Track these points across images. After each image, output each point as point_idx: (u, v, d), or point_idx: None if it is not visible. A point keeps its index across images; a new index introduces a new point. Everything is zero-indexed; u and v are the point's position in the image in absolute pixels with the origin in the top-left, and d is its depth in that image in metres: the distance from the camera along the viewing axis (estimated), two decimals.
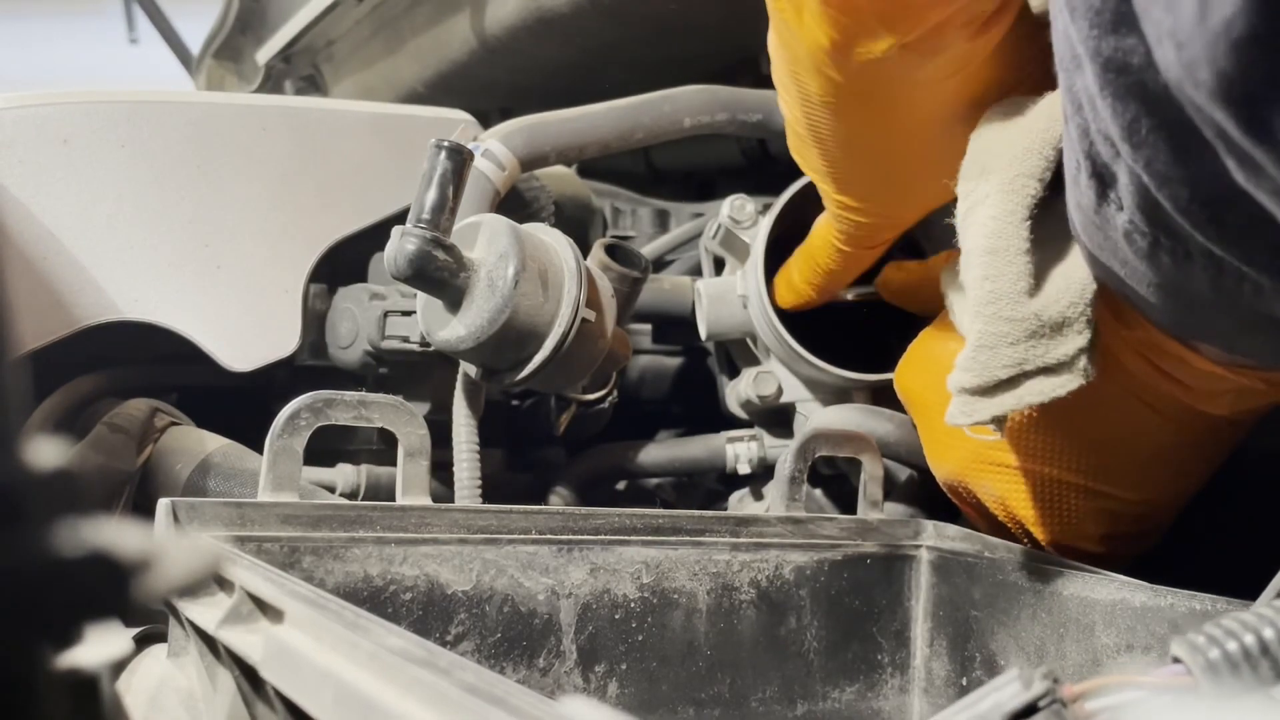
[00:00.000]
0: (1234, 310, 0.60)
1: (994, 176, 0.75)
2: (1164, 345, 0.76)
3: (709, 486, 1.42)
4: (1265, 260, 0.54)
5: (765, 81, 1.04)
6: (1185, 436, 0.84)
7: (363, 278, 1.19)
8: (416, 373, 1.14)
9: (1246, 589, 0.70)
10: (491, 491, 1.00)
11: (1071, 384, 0.73)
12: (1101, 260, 0.67)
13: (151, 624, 0.72)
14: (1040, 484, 0.87)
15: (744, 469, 1.26)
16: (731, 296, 1.19)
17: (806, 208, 1.03)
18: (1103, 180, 0.59)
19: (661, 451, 1.30)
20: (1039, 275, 0.74)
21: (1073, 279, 0.74)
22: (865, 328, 1.13)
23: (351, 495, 1.12)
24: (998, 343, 0.74)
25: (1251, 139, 0.46)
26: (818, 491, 1.23)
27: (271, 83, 1.99)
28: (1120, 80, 0.51)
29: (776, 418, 1.26)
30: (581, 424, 1.28)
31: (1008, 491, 0.88)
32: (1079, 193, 0.63)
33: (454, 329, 0.92)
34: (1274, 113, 0.44)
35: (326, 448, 1.12)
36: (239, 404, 1.18)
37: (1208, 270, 0.57)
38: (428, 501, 0.79)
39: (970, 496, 0.91)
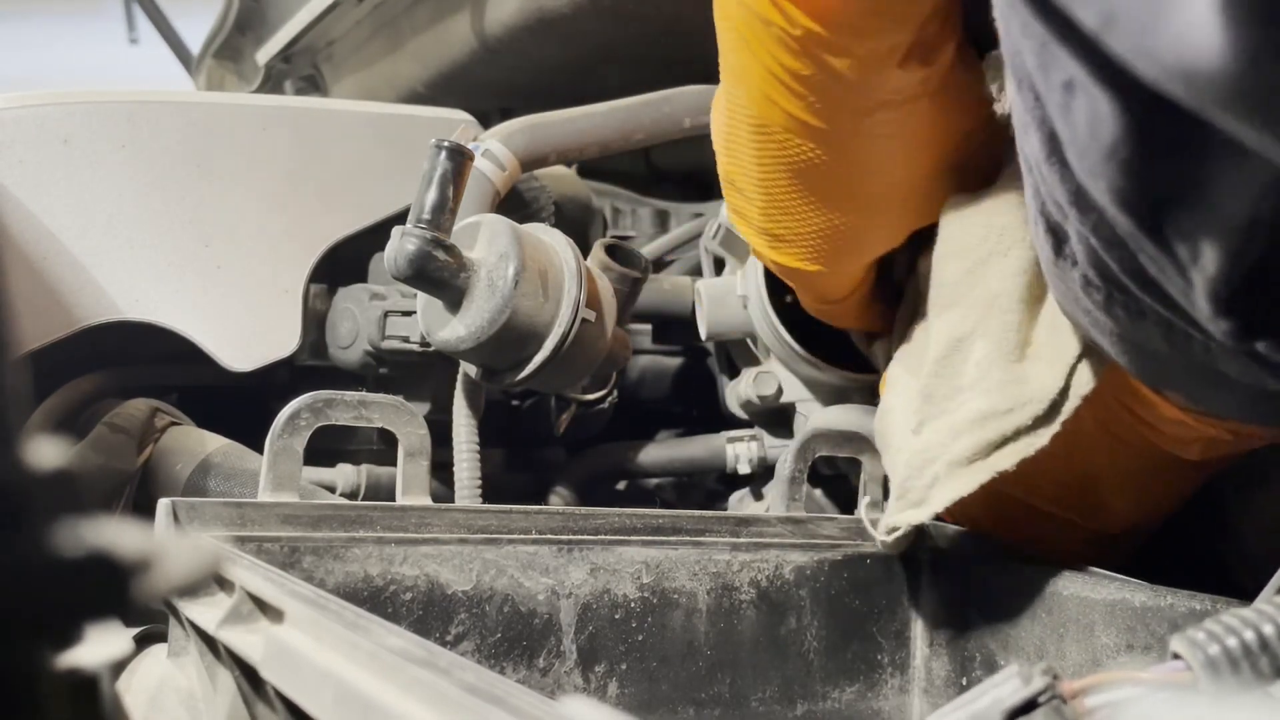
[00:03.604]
0: (1190, 365, 0.60)
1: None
2: (1137, 391, 0.77)
3: (709, 486, 1.42)
4: (1205, 329, 0.54)
5: None
6: (1157, 473, 0.85)
7: (363, 278, 1.19)
8: (416, 373, 1.14)
9: (1246, 589, 0.70)
10: (491, 491, 1.00)
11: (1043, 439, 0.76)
12: (1067, 309, 0.67)
13: (151, 624, 0.72)
14: (1011, 507, 0.88)
15: (744, 469, 1.26)
16: (731, 297, 1.19)
17: None
18: (1057, 236, 0.59)
19: (661, 451, 1.30)
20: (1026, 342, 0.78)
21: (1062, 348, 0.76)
22: None
23: (352, 495, 1.12)
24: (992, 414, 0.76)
25: (1150, 243, 0.47)
26: (818, 491, 1.23)
27: (271, 83, 1.99)
28: (1062, 151, 0.51)
29: (776, 418, 1.26)
30: (581, 424, 1.28)
31: (979, 509, 0.88)
32: (1039, 245, 0.63)
33: (454, 329, 0.92)
34: (1168, 225, 0.45)
35: (326, 448, 1.12)
36: (239, 404, 1.18)
37: (1159, 326, 0.57)
38: (428, 501, 0.79)
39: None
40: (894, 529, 0.84)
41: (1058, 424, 0.77)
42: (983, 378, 0.79)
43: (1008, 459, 0.77)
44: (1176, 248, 0.46)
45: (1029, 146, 0.55)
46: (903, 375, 0.88)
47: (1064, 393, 0.77)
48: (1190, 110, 0.38)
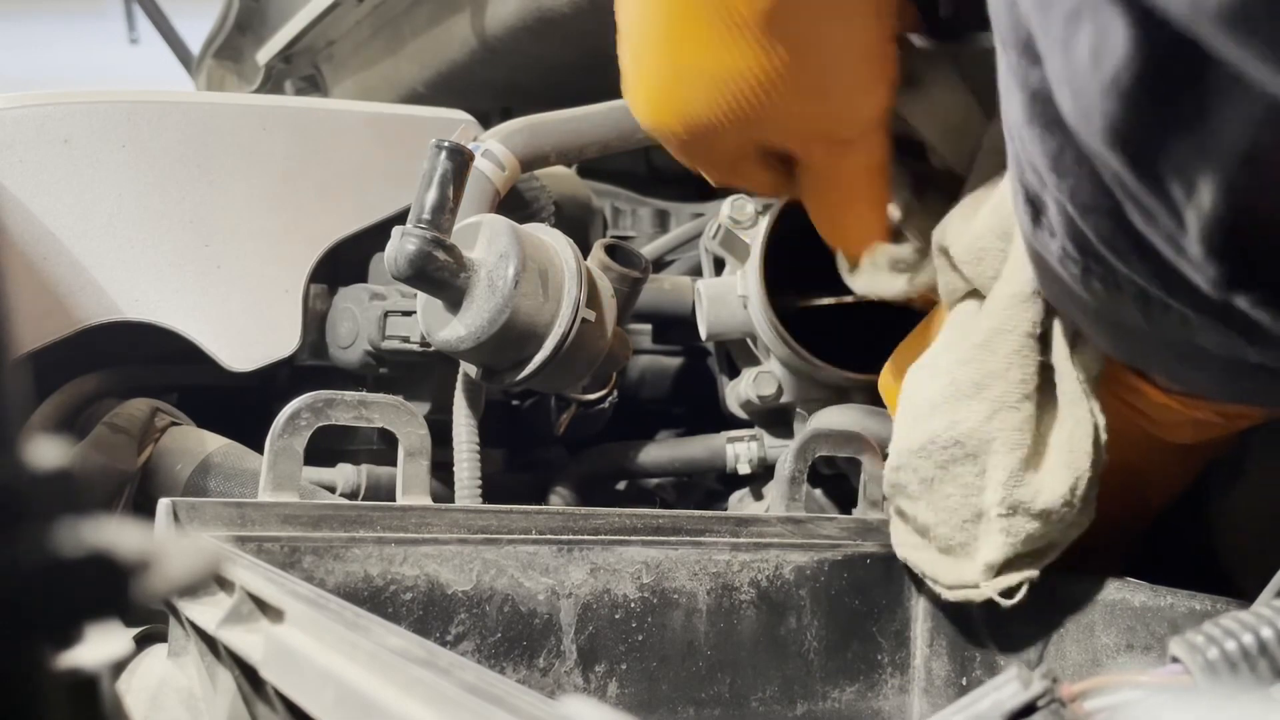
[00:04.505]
0: (1167, 340, 0.60)
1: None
2: (1122, 377, 0.77)
3: (709, 486, 1.42)
4: (1184, 294, 0.54)
5: None
6: (1149, 459, 0.84)
7: (363, 278, 1.19)
8: (416, 373, 1.14)
9: (1246, 589, 0.70)
10: (492, 491, 1.00)
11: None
12: (1048, 285, 0.67)
13: (151, 624, 0.72)
14: None
15: (744, 469, 1.26)
16: (731, 296, 1.19)
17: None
18: (1035, 207, 0.59)
19: (661, 451, 1.30)
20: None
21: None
22: (866, 328, 1.13)
23: (352, 495, 1.12)
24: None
25: (1143, 185, 0.46)
26: (818, 491, 1.23)
27: (271, 83, 1.99)
28: (1045, 111, 0.51)
29: (776, 418, 1.26)
30: (581, 424, 1.28)
31: None
32: (1019, 216, 0.63)
33: (454, 329, 0.92)
34: (1163, 160, 0.45)
35: (327, 448, 1.12)
36: (239, 404, 1.18)
37: (1136, 300, 0.57)
38: (428, 501, 0.79)
39: None
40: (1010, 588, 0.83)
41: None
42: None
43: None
44: (1170, 184, 0.46)
45: (1010, 111, 0.55)
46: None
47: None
48: (1193, 35, 0.38)
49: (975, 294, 0.82)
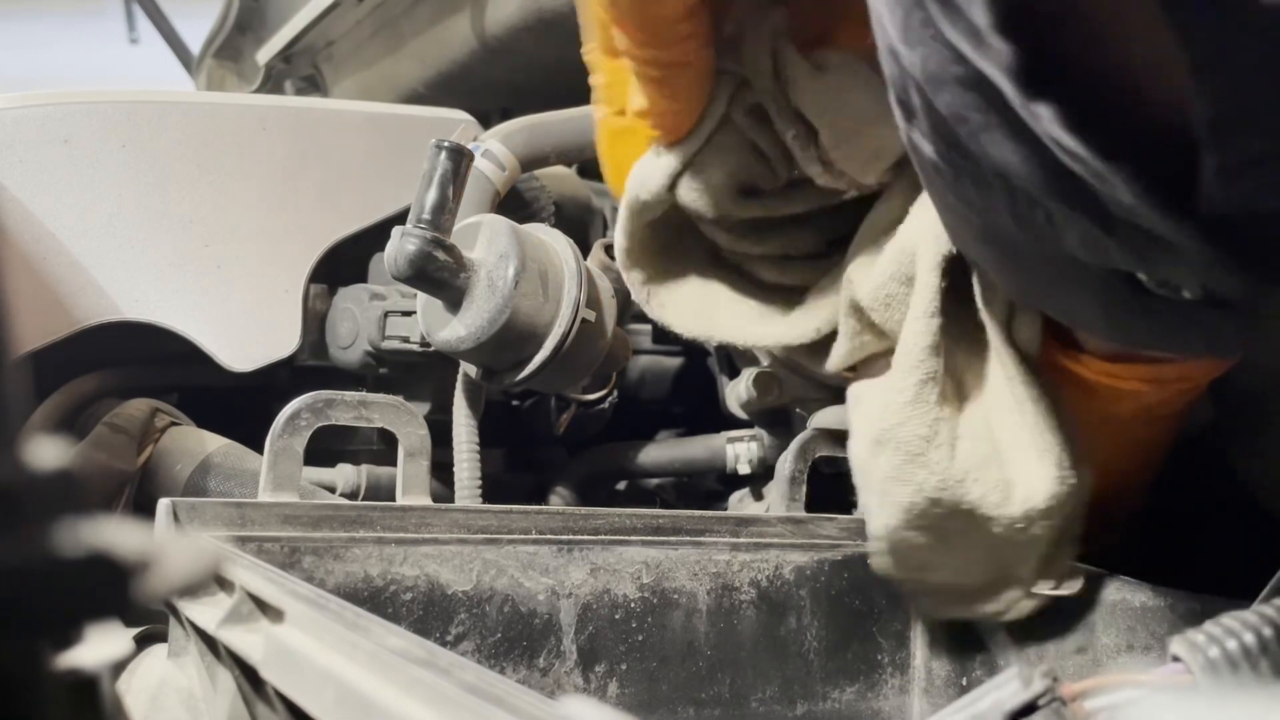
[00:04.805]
0: (1045, 255, 0.58)
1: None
2: (1056, 359, 0.78)
3: (709, 486, 1.42)
4: (1035, 168, 0.52)
5: None
6: (1107, 440, 0.85)
7: (363, 278, 1.19)
8: (416, 373, 1.14)
9: (1246, 589, 0.70)
10: (492, 491, 1.00)
11: None
12: (945, 218, 0.66)
13: (151, 624, 0.72)
14: None
15: (744, 469, 1.25)
16: None
17: None
18: (905, 107, 0.57)
19: (661, 451, 1.30)
20: None
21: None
22: None
23: (352, 495, 1.12)
24: None
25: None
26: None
27: (271, 83, 1.99)
28: None
29: (776, 418, 1.26)
30: (581, 424, 1.28)
31: None
32: (901, 130, 0.61)
33: (454, 329, 0.92)
34: None
35: (327, 448, 1.12)
36: (239, 404, 1.18)
37: (1004, 198, 0.55)
38: (428, 501, 0.79)
39: None
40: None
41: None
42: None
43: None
44: None
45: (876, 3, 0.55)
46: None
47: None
48: None
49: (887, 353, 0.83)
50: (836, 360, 0.87)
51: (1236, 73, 0.43)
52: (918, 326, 0.77)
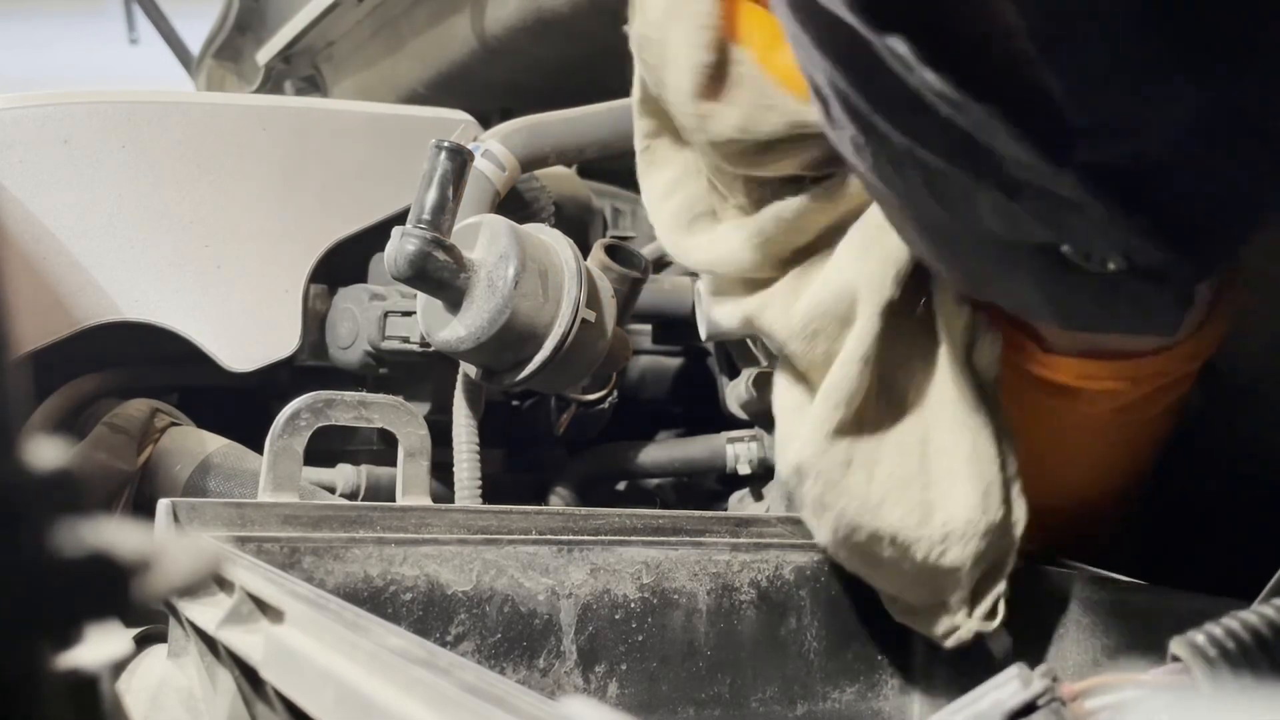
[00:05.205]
0: (975, 237, 0.58)
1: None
2: (1029, 367, 0.79)
3: (709, 486, 1.42)
4: (935, 135, 0.52)
5: None
6: (1092, 442, 0.85)
7: (363, 278, 1.19)
8: (416, 373, 1.14)
9: (1246, 589, 0.70)
10: (492, 492, 1.00)
11: None
12: (880, 205, 0.66)
13: (151, 624, 0.72)
14: None
15: (744, 469, 1.25)
16: None
17: None
18: (822, 99, 0.57)
19: (661, 451, 1.30)
20: None
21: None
22: None
23: (352, 495, 1.12)
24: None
25: None
26: None
27: (271, 83, 1.99)
28: None
29: None
30: (581, 424, 1.28)
31: None
32: (821, 122, 0.60)
33: (454, 329, 0.92)
34: None
35: (326, 448, 1.12)
36: (239, 404, 1.18)
37: (919, 174, 0.55)
38: (428, 502, 0.79)
39: None
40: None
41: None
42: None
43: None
44: None
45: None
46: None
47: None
48: None
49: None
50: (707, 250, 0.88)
51: (1077, 45, 0.44)
52: (850, 370, 0.79)
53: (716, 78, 0.75)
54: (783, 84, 0.76)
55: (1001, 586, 0.82)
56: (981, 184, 0.51)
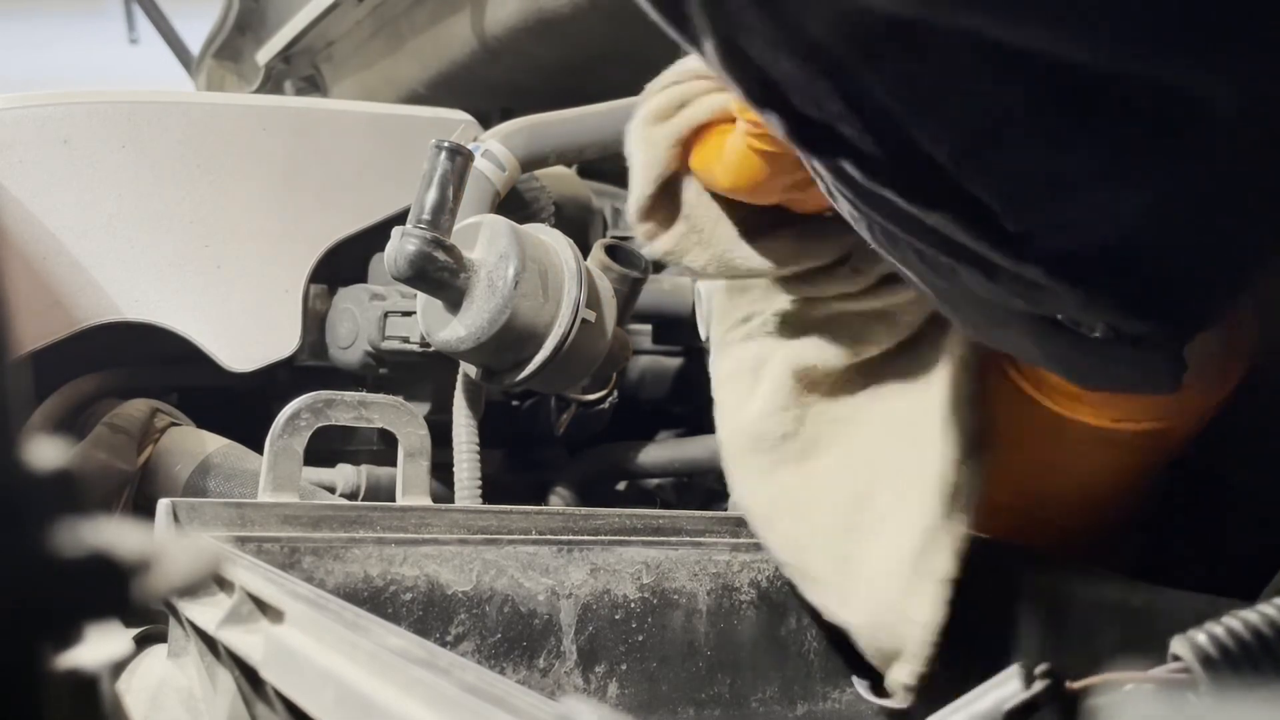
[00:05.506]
0: (961, 295, 0.59)
1: None
2: (1041, 398, 0.80)
3: (709, 486, 1.42)
4: (917, 229, 0.52)
5: None
6: (1096, 463, 0.85)
7: (363, 278, 1.19)
8: (416, 373, 1.14)
9: (1246, 589, 0.70)
10: (492, 492, 1.00)
11: None
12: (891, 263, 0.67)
13: (151, 624, 0.72)
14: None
15: None
16: None
17: None
18: (815, 170, 0.57)
19: (661, 451, 1.30)
20: None
21: None
22: None
23: (352, 496, 1.12)
24: None
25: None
26: None
27: (271, 83, 1.99)
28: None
29: None
30: (581, 424, 1.28)
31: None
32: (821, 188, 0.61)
33: (454, 329, 0.92)
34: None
35: (326, 448, 1.12)
36: (239, 404, 1.18)
37: (910, 253, 0.56)
38: (428, 502, 0.79)
39: None
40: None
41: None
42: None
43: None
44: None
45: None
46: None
47: None
48: None
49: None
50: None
51: (992, 163, 0.45)
52: (770, 423, 0.85)
53: (658, 207, 0.82)
54: (726, 216, 0.82)
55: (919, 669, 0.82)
56: (961, 264, 0.52)
